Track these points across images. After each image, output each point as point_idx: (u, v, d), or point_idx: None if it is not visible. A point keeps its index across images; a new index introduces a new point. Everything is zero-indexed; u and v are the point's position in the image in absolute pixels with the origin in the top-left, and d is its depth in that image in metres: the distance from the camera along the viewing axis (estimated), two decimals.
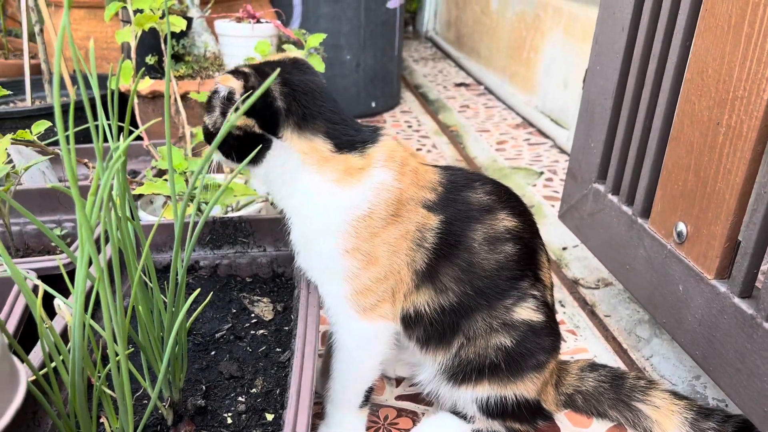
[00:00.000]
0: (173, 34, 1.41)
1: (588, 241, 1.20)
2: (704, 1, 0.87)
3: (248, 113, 0.77)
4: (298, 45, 1.65)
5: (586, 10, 2.22)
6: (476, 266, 0.83)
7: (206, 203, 1.06)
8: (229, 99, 0.78)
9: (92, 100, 1.70)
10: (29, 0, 1.62)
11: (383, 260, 0.81)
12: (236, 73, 0.78)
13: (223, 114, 0.80)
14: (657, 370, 1.08)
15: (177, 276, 0.72)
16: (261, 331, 0.96)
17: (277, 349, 0.91)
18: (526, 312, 0.86)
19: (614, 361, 1.11)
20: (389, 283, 0.83)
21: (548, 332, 0.88)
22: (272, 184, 0.83)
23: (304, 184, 0.80)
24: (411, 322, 0.87)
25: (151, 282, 0.73)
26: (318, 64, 1.39)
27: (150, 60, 1.47)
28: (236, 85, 0.76)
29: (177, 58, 1.60)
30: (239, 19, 1.57)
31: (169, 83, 1.10)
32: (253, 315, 1.00)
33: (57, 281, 0.95)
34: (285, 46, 1.40)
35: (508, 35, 2.93)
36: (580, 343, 1.16)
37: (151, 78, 1.48)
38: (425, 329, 0.87)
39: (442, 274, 0.83)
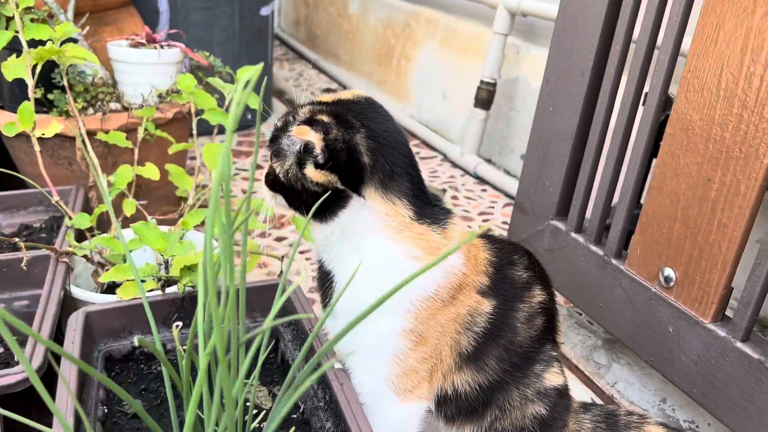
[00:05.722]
0: (54, 62, 1.18)
1: None
2: (687, 62, 0.93)
3: (331, 168, 0.69)
4: (208, 70, 1.49)
5: (465, 24, 2.27)
6: (516, 344, 0.82)
7: (175, 278, 0.91)
8: (307, 149, 0.69)
9: None
10: None
11: (432, 340, 0.77)
12: (313, 122, 0.68)
13: (299, 164, 0.70)
14: (624, 396, 1.15)
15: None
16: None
17: None
18: (554, 377, 0.86)
19: (584, 391, 1.16)
20: (430, 363, 0.79)
21: (566, 391, 0.90)
22: (332, 243, 0.75)
23: (376, 251, 0.73)
24: (446, 400, 0.83)
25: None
26: (254, 101, 1.27)
27: (37, 93, 1.23)
28: (314, 138, 0.67)
29: (65, 88, 1.36)
30: (138, 44, 1.37)
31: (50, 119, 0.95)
32: (247, 404, 0.88)
33: None
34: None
35: (373, 41, 2.92)
36: None
37: (37, 113, 1.24)
38: (457, 405, 0.84)
39: (486, 355, 0.81)
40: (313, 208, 0.66)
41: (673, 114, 0.95)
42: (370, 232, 0.73)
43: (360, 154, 0.70)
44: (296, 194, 0.72)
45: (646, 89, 1.03)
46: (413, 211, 0.74)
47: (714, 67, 0.89)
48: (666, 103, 1.00)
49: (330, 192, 0.71)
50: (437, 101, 2.44)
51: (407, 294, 0.75)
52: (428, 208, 0.76)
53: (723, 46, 0.87)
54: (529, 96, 1.96)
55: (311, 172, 0.70)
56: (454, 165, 2.15)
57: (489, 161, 2.13)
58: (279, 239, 1.61)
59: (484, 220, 1.76)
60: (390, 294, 0.47)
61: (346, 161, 0.69)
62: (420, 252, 0.74)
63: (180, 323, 0.72)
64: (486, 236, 0.86)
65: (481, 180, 2.03)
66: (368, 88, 2.93)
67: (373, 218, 0.72)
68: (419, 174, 0.76)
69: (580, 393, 1.15)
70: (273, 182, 0.74)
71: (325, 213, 0.72)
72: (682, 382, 0.97)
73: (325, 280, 0.79)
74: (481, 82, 2.00)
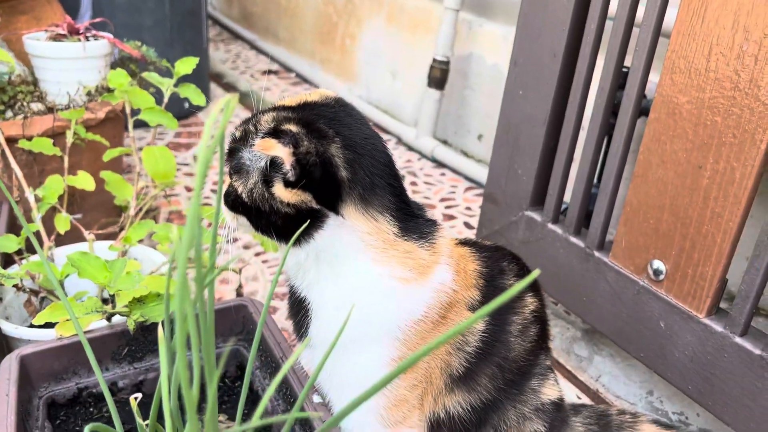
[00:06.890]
0: None
1: None
2: (672, 41, 0.86)
3: (304, 186, 0.59)
4: (141, 62, 1.35)
5: (413, 0, 2.17)
6: (510, 360, 0.75)
7: (123, 314, 0.80)
8: (274, 165, 0.59)
9: None
10: None
11: (422, 365, 0.70)
12: (280, 133, 0.58)
13: (266, 182, 0.60)
14: (610, 390, 1.11)
15: None
16: None
17: None
18: (550, 390, 0.81)
19: (569, 388, 1.12)
20: (421, 388, 0.72)
21: (562, 403, 0.85)
22: (307, 268, 0.66)
23: (358, 275, 0.64)
24: (439, 425, 0.76)
25: None
26: (197, 97, 1.15)
27: None
28: (283, 153, 0.58)
29: None
30: (59, 36, 1.21)
31: None
32: None
33: None
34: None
35: (314, 18, 2.78)
36: None
37: None
38: (450, 429, 0.77)
39: (478, 375, 0.73)
40: (293, 239, 0.56)
41: (657, 97, 0.89)
42: (351, 254, 0.64)
43: (336, 168, 0.60)
44: (263, 216, 0.63)
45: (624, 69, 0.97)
46: (398, 226, 0.65)
47: (702, 47, 0.83)
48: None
49: (306, 213, 0.62)
50: (387, 80, 2.34)
51: (395, 319, 0.66)
52: (413, 221, 0.67)
53: (711, 23, 0.81)
54: (483, 73, 1.88)
55: (280, 191, 0.60)
56: (410, 148, 2.07)
57: (445, 143, 2.05)
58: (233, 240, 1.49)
59: (447, 207, 1.69)
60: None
61: (321, 177, 0.60)
62: (408, 273, 0.65)
63: (139, 395, 0.62)
64: (472, 243, 0.78)
65: (439, 163, 1.96)
66: (311, 69, 2.80)
67: (353, 238, 0.64)
68: (401, 184, 0.67)
69: (564, 390, 1.10)
70: (234, 203, 0.64)
71: (298, 236, 0.63)
72: (676, 378, 0.92)
73: (299, 308, 0.70)
74: (434, 60, 1.91)
